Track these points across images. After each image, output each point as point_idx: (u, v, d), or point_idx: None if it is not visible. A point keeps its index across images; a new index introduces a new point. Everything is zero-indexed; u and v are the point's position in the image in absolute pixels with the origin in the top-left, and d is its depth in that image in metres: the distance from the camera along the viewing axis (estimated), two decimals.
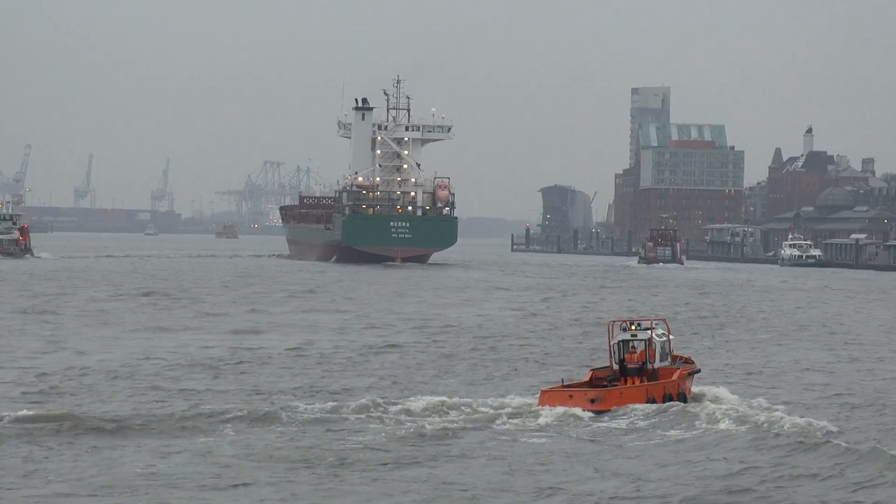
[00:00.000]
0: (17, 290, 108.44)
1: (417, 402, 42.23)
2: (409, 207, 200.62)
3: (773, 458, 34.49)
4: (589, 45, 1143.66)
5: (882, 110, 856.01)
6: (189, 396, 46.26)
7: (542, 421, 39.92)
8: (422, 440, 37.26)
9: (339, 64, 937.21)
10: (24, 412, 39.85)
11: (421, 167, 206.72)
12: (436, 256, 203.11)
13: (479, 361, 59.44)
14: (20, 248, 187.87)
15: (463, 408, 41.71)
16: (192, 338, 68.97)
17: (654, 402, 41.23)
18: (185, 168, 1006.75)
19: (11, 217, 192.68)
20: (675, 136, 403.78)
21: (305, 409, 41.77)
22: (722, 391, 44.12)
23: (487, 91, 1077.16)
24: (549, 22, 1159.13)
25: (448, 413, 41.06)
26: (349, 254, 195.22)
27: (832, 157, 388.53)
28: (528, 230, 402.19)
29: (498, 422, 40.03)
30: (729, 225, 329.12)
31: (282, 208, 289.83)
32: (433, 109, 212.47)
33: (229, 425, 39.39)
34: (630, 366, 43.30)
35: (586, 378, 43.75)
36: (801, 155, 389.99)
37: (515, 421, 40.13)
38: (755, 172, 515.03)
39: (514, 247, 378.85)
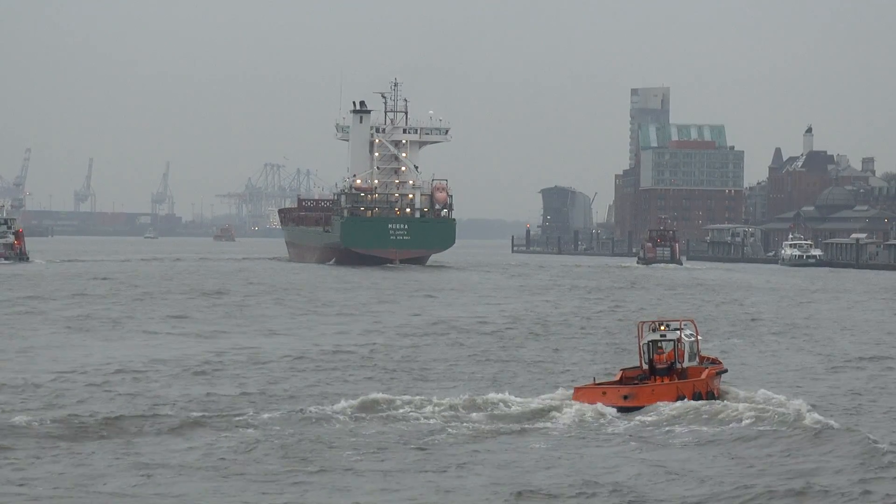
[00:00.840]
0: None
1: (440, 400, 42.08)
2: (408, 209, 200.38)
3: (812, 454, 34.66)
4: (589, 45, 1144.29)
5: (882, 110, 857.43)
6: (186, 400, 45.37)
7: (575, 417, 40.15)
8: (448, 437, 37.19)
9: (339, 65, 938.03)
10: (15, 419, 39.04)
11: (419, 169, 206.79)
12: (434, 258, 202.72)
13: (488, 361, 58.84)
14: (15, 253, 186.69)
15: (495, 405, 41.72)
16: (185, 342, 68.04)
17: (684, 399, 41.77)
18: (185, 171, 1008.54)
19: (6, 221, 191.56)
20: (674, 137, 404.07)
21: (306, 409, 41.25)
22: (758, 391, 43.91)
23: (487, 91, 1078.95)
24: (549, 22, 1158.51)
25: (480, 410, 41.11)
26: (348, 256, 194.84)
27: (832, 156, 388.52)
28: (528, 231, 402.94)
29: (532, 419, 40.10)
30: (729, 225, 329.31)
31: (280, 211, 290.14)
32: (431, 111, 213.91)
33: (230, 425, 38.90)
34: (658, 366, 43.88)
35: (617, 377, 44.40)
36: (801, 155, 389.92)
37: (553, 415, 40.32)
38: (755, 172, 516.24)
39: (515, 248, 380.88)
